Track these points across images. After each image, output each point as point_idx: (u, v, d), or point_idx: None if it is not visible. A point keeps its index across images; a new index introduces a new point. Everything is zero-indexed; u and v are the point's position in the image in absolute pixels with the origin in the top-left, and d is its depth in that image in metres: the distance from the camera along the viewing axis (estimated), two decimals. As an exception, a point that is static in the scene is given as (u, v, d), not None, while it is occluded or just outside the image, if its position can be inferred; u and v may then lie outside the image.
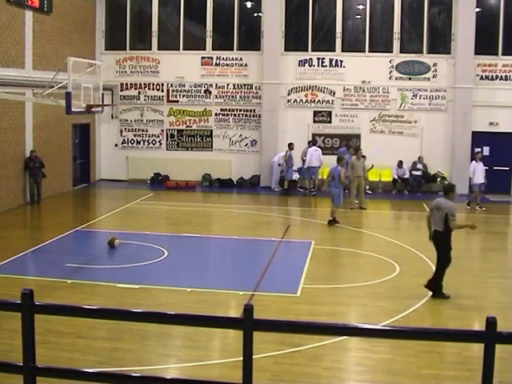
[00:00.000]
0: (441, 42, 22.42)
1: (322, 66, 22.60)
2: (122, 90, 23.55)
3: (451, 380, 7.60)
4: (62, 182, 20.92)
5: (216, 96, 23.15)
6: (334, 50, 22.52)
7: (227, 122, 23.23)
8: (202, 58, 23.13)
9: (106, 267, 12.48)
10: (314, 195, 21.26)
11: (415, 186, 21.84)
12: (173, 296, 10.52)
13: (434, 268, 11.85)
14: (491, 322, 4.37)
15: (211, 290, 10.80)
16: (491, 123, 21.80)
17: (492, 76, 21.86)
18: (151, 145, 23.68)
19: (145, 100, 23.53)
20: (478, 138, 21.79)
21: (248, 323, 4.60)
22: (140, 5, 23.72)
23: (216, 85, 23.11)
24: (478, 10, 21.67)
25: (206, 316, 5.91)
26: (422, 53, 22.19)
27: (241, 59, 22.97)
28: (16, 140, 18.07)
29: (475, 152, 20.27)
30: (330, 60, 22.55)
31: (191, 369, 7.75)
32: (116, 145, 23.86)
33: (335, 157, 17.80)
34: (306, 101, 22.70)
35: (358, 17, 22.76)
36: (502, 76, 21.82)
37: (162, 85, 23.37)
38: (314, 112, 22.72)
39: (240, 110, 23.12)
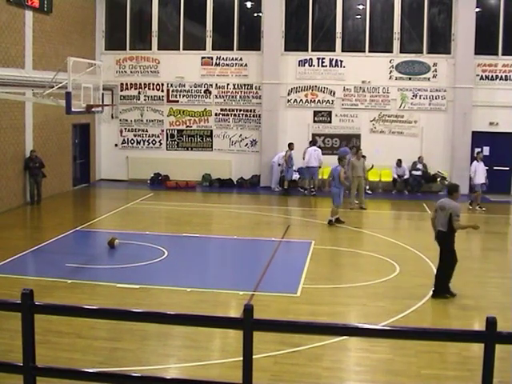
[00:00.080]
0: (441, 42, 22.42)
1: (322, 65, 22.60)
2: (121, 90, 23.55)
3: (451, 380, 7.60)
4: (61, 182, 20.92)
5: (216, 96, 23.15)
6: (334, 50, 22.52)
7: (227, 122, 23.23)
8: (202, 58, 23.13)
9: (106, 267, 12.48)
10: (314, 195, 21.26)
11: (415, 186, 21.84)
12: (173, 296, 10.52)
13: (433, 268, 11.87)
14: (491, 322, 4.37)
15: (211, 290, 10.80)
16: (491, 123, 21.80)
17: (492, 76, 21.86)
18: (151, 145, 23.68)
19: (145, 100, 23.53)
20: (478, 138, 21.79)
21: (248, 323, 4.60)
22: (140, 5, 23.73)
23: (216, 85, 23.11)
24: (478, 10, 21.67)
25: (206, 316, 5.92)
26: (421, 53, 22.19)
27: (241, 59, 22.97)
28: (16, 140, 18.07)
29: (476, 152, 20.25)
30: (330, 60, 22.55)
31: (191, 369, 7.75)
32: (116, 145, 23.86)
33: (335, 157, 17.81)
34: (306, 101, 22.70)
35: (358, 17, 22.77)
36: (501, 76, 21.82)
37: (162, 85, 23.37)
38: (314, 112, 22.72)
39: (240, 110, 23.12)
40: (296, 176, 22.21)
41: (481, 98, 21.70)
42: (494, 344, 4.37)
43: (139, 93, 23.50)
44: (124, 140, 23.83)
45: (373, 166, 20.26)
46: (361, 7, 22.59)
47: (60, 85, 14.00)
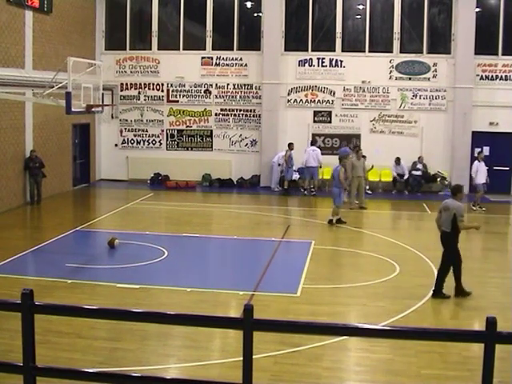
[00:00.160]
0: (441, 42, 22.42)
1: (322, 65, 22.60)
2: (121, 90, 23.55)
3: (451, 380, 7.60)
4: (61, 182, 20.92)
5: (216, 96, 23.15)
6: (334, 50, 22.52)
7: (227, 122, 23.23)
8: (202, 58, 23.13)
9: (106, 267, 12.48)
10: (314, 195, 21.26)
11: (415, 186, 21.83)
12: (173, 296, 10.52)
13: (433, 268, 11.87)
14: (491, 322, 4.37)
15: (211, 290, 10.80)
16: (491, 123, 21.80)
17: (492, 76, 21.86)
18: (151, 145, 23.68)
19: (145, 100, 23.53)
20: (478, 138, 21.79)
21: (248, 323, 4.60)
22: (140, 5, 23.73)
23: (216, 85, 23.11)
24: (478, 10, 21.67)
25: (206, 316, 5.92)
26: (422, 53, 22.19)
27: (241, 59, 22.97)
28: (16, 140, 18.07)
29: (478, 152, 20.24)
30: (330, 60, 22.55)
31: (191, 369, 7.75)
32: (116, 145, 23.86)
33: (335, 157, 17.81)
34: (306, 101, 22.70)
35: (358, 17, 22.76)
36: (501, 76, 21.82)
37: (162, 85, 23.37)
38: (314, 112, 22.72)
39: (240, 110, 23.12)
40: (296, 176, 22.21)
41: (481, 98, 21.70)
42: (494, 344, 4.37)
43: (139, 93, 23.50)
44: (124, 140, 23.83)
45: (373, 167, 20.27)
46: (361, 7, 22.59)
47: (60, 85, 14.00)
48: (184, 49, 23.24)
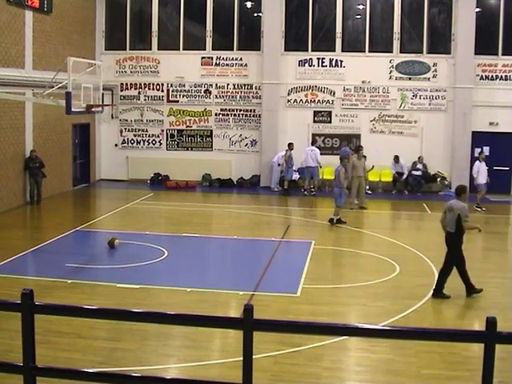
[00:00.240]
0: (441, 42, 22.42)
1: (322, 65, 22.60)
2: (121, 90, 23.55)
3: (451, 380, 7.60)
4: (61, 182, 20.92)
5: (216, 96, 23.15)
6: (334, 50, 22.51)
7: (227, 122, 23.23)
8: (202, 58, 23.13)
9: (106, 267, 12.48)
10: (314, 195, 21.26)
11: (415, 186, 21.83)
12: (173, 296, 10.52)
13: (434, 268, 11.88)
14: (491, 322, 4.37)
15: (211, 290, 10.80)
16: (491, 123, 21.79)
17: (492, 76, 21.86)
18: (151, 145, 23.68)
19: (145, 100, 23.53)
20: (478, 138, 21.79)
21: (248, 323, 4.60)
22: (140, 5, 23.72)
23: (216, 85, 23.11)
24: (478, 10, 21.67)
25: (206, 316, 5.92)
26: (422, 53, 22.18)
27: (241, 59, 22.97)
28: (16, 140, 18.07)
29: (479, 152, 20.23)
30: (330, 60, 22.55)
31: (191, 369, 7.75)
32: (116, 145, 23.86)
33: (335, 157, 17.81)
34: (306, 101, 22.70)
35: (358, 17, 22.76)
36: (501, 76, 21.82)
37: (162, 85, 23.37)
38: (314, 112, 22.72)
39: (240, 110, 23.12)
40: (296, 176, 22.20)
41: (481, 98, 21.70)
42: (494, 344, 4.37)
43: (139, 93, 23.50)
44: (124, 140, 23.83)
45: (373, 167, 20.28)
46: (361, 7, 22.59)
47: (60, 85, 14.00)
48: (184, 49, 23.24)
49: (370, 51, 22.44)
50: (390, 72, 22.32)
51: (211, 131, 23.33)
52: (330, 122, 22.66)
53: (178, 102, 23.37)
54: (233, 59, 22.99)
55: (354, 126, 22.57)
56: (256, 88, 22.88)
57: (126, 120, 23.69)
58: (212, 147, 23.39)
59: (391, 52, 22.32)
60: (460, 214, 10.29)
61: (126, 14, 23.38)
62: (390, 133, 22.45)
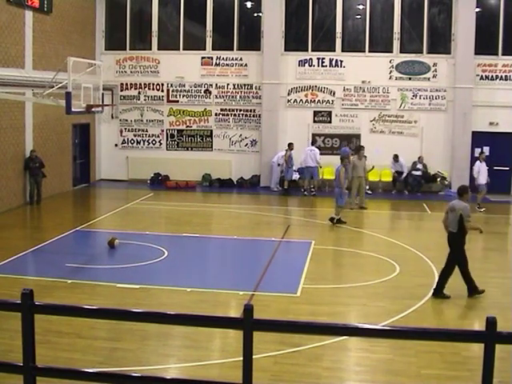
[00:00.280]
0: (441, 42, 22.41)
1: (322, 65, 22.59)
2: (121, 90, 23.55)
3: (451, 380, 7.60)
4: (61, 182, 20.92)
5: (216, 96, 23.15)
6: (334, 50, 22.51)
7: (227, 122, 23.23)
8: (202, 58, 23.13)
9: (106, 267, 12.48)
10: (314, 195, 21.26)
11: (415, 186, 21.83)
12: (173, 296, 10.52)
13: (434, 268, 11.88)
14: (491, 322, 4.37)
15: (211, 290, 10.80)
16: (491, 123, 21.79)
17: (492, 76, 21.86)
18: (151, 145, 23.68)
19: (145, 100, 23.53)
20: (478, 138, 21.79)
21: (248, 323, 4.60)
22: (140, 5, 23.72)
23: (216, 85, 23.11)
24: (478, 10, 21.67)
25: (206, 316, 5.91)
26: (421, 53, 22.18)
27: (241, 59, 22.97)
28: (16, 140, 18.07)
29: (479, 152, 20.24)
30: (330, 60, 22.55)
31: (191, 369, 7.75)
32: (116, 145, 23.86)
33: (335, 157, 17.80)
34: (306, 101, 22.70)
35: (358, 17, 22.76)
36: (501, 76, 21.82)
37: (162, 85, 23.37)
38: (314, 112, 22.71)
39: (240, 110, 23.12)
40: (296, 176, 22.20)
41: (481, 98, 21.70)
42: (494, 344, 4.37)
43: (139, 93, 23.50)
44: (124, 140, 23.83)
45: (373, 168, 20.28)
46: (361, 7, 22.59)
47: (60, 85, 14.00)
48: (184, 49, 23.24)
49: (369, 51, 22.44)
50: (390, 72, 22.32)
51: (211, 131, 23.33)
52: (329, 122, 22.66)
53: (177, 102, 23.37)
54: (233, 59, 22.99)
55: (353, 126, 22.57)
56: (256, 88, 22.88)
57: (126, 120, 23.69)
58: (212, 147, 23.38)
59: (391, 52, 22.32)
60: (462, 214, 10.30)
61: (125, 13, 23.38)
62: (389, 133, 22.45)
